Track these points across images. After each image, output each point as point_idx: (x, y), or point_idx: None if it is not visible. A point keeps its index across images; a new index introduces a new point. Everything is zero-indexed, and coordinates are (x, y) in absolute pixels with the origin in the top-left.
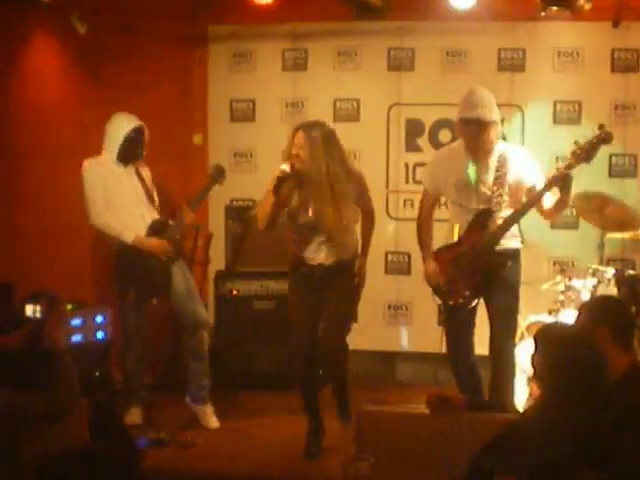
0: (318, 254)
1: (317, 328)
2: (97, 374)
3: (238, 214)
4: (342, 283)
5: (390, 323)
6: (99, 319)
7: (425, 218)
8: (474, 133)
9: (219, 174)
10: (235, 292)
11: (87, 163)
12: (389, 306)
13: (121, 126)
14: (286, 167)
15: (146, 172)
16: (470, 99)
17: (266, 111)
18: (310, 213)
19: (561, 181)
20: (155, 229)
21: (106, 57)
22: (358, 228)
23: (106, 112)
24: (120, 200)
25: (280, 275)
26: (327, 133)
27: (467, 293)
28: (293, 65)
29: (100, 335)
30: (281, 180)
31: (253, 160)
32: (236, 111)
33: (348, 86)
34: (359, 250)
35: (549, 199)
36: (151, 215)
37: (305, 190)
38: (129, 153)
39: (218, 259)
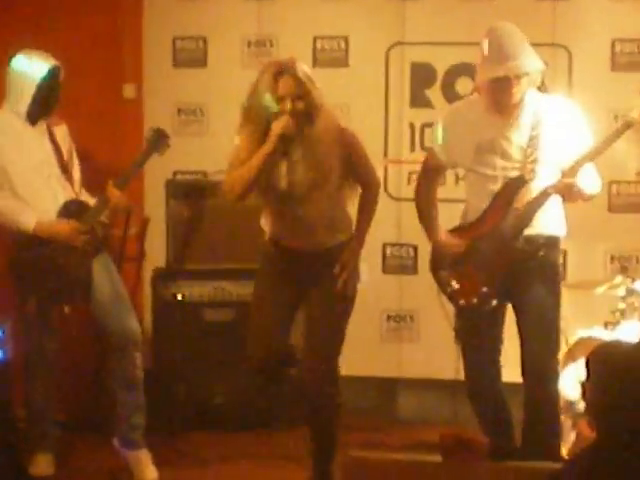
0: (297, 234)
1: (285, 333)
2: None
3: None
4: (332, 279)
5: (389, 339)
6: None
7: (428, 184)
8: (503, 91)
9: (159, 140)
10: (180, 297)
11: None
12: (388, 317)
13: (33, 68)
14: (283, 122)
15: (62, 131)
16: (496, 48)
17: (222, 53)
18: (287, 177)
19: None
20: (69, 212)
21: None
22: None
23: (6, 54)
24: (23, 172)
25: (241, 274)
26: (312, 78)
27: (484, 290)
28: None
29: None
30: (282, 139)
31: (204, 119)
32: (181, 52)
33: (333, 19)
34: (352, 230)
35: (586, 179)
36: (66, 193)
37: (293, 149)
38: (42, 105)
39: (157, 253)
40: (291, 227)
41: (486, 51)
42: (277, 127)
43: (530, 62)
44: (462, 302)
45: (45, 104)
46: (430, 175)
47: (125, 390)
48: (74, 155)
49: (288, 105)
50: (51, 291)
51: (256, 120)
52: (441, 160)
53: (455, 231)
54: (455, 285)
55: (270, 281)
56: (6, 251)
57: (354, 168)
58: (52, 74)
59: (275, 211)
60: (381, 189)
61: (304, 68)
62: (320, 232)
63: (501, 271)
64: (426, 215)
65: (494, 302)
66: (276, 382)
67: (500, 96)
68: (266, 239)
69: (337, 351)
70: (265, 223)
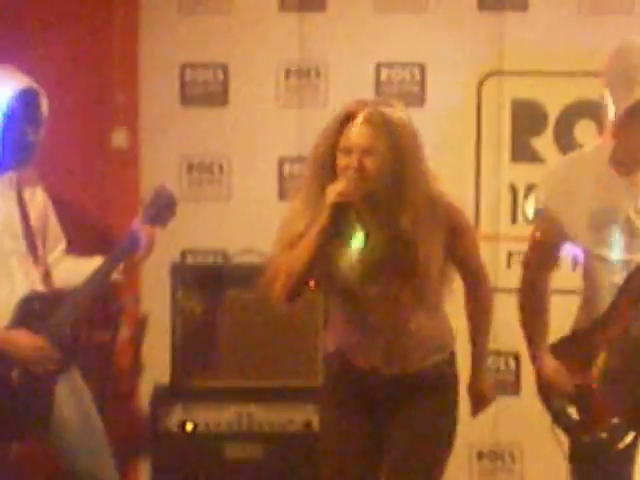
0: (374, 350)
1: None
2: None
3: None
4: (421, 408)
5: None
6: None
7: (539, 276)
8: None
9: (163, 206)
10: (190, 427)
11: None
12: (480, 454)
13: None
14: (341, 186)
15: (36, 195)
16: (637, 64)
17: (249, 86)
18: (363, 267)
19: None
20: (30, 311)
21: None
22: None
23: None
24: None
25: (275, 395)
26: (409, 128)
27: (615, 421)
28: (300, 0)
29: None
30: (340, 209)
31: (224, 178)
32: (192, 86)
33: (404, 40)
34: (454, 345)
35: None
36: (30, 278)
37: (368, 229)
38: (11, 144)
39: (159, 365)
40: (368, 339)
41: (622, 71)
42: (332, 192)
43: None
44: (586, 437)
45: (16, 141)
46: (541, 258)
47: None
48: (51, 225)
49: (353, 162)
50: None
51: (317, 182)
52: (555, 231)
53: (567, 340)
54: (575, 416)
55: (340, 418)
56: None
57: (459, 257)
58: (26, 96)
59: (344, 314)
60: None
61: (391, 113)
62: (411, 348)
63: (638, 394)
64: (534, 326)
65: (630, 437)
66: None
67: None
68: (330, 353)
69: None
70: (331, 331)
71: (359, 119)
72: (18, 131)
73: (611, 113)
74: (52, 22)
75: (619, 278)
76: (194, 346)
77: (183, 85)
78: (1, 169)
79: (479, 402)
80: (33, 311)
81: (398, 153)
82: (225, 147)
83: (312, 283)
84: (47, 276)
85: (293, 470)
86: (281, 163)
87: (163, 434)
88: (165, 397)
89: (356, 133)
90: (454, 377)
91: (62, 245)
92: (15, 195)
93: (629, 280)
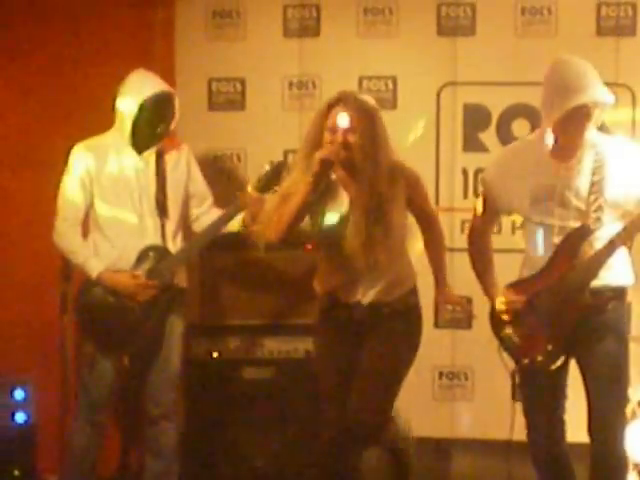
0: (355, 288)
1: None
2: (16, 474)
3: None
4: (390, 329)
5: (442, 398)
6: (19, 394)
7: (481, 233)
8: (578, 124)
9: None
10: (215, 354)
11: (75, 149)
12: (441, 374)
13: (135, 91)
14: (326, 150)
15: (179, 165)
16: (573, 76)
17: (261, 95)
18: (345, 221)
19: None
20: (145, 258)
21: (26, 22)
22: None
23: (27, 100)
24: (112, 206)
25: (282, 330)
26: (375, 111)
27: (549, 347)
28: (300, 28)
29: (21, 417)
30: (327, 166)
31: (242, 165)
32: (217, 95)
33: (380, 58)
34: (415, 281)
35: None
36: (159, 233)
37: (349, 193)
38: (143, 133)
39: (192, 307)
40: (350, 280)
41: (560, 82)
42: (318, 154)
43: (606, 91)
44: (526, 360)
45: (146, 131)
46: (483, 224)
47: (153, 456)
48: (194, 178)
49: (338, 137)
50: (107, 338)
51: (309, 153)
52: (493, 203)
53: (516, 285)
54: (518, 342)
55: (330, 342)
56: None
57: (417, 205)
58: (157, 100)
59: (332, 261)
60: None
61: (363, 101)
62: (384, 282)
63: (567, 327)
64: (480, 266)
65: (560, 360)
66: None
67: (574, 130)
68: (321, 295)
69: (390, 405)
70: (320, 278)
71: (342, 105)
72: (149, 124)
73: (551, 114)
74: (115, 48)
75: (556, 239)
76: (218, 293)
77: (210, 95)
78: (141, 148)
79: (451, 302)
80: (148, 258)
81: (372, 131)
82: (242, 142)
83: (309, 246)
84: (178, 231)
85: (295, 387)
86: (286, 154)
87: (194, 360)
88: (196, 332)
89: (340, 115)
90: (416, 306)
91: (208, 201)
92: (154, 167)
93: (565, 241)
